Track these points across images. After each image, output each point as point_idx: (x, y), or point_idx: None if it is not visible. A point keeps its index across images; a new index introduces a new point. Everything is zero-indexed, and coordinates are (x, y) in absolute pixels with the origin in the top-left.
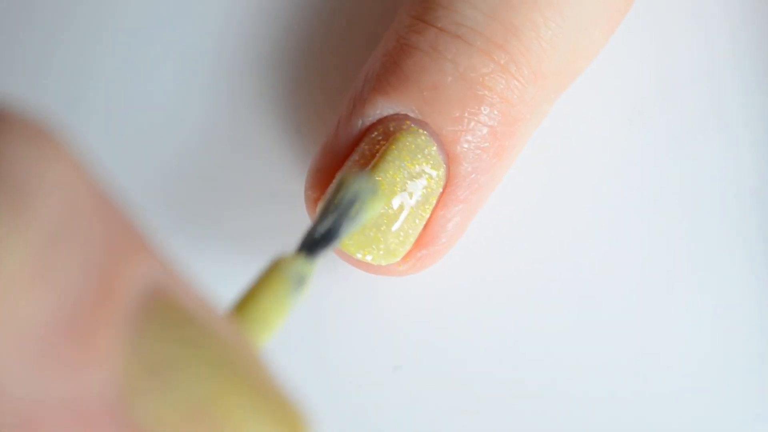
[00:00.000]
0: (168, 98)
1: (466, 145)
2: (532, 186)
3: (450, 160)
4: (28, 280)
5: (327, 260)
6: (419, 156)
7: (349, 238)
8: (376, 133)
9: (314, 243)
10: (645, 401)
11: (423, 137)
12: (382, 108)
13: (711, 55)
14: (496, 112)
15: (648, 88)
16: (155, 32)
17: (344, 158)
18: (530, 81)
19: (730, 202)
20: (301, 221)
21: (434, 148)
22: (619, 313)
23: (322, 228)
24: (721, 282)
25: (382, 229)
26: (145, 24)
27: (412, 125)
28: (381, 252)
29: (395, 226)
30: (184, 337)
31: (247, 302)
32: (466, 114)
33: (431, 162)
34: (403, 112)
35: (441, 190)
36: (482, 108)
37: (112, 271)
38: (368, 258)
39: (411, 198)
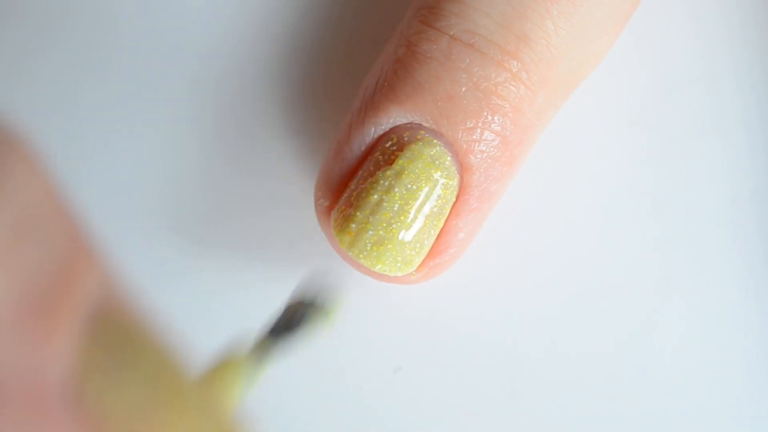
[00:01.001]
0: (172, 98)
1: (479, 155)
2: (531, 188)
3: (463, 169)
4: (3, 250)
5: (325, 261)
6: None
7: (366, 251)
8: (390, 142)
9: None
10: (642, 403)
11: (437, 147)
12: (395, 117)
13: (709, 58)
14: (508, 122)
15: (647, 92)
16: (160, 34)
17: (357, 166)
18: (540, 88)
19: (728, 204)
20: (300, 221)
21: (448, 158)
22: (617, 315)
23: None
24: (718, 284)
25: (399, 240)
26: (150, 28)
27: (427, 135)
28: (398, 264)
29: (411, 237)
30: (129, 349)
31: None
32: (480, 124)
33: (446, 172)
34: (416, 122)
35: (454, 199)
36: (495, 117)
37: (69, 270)
38: (386, 270)
39: (426, 208)
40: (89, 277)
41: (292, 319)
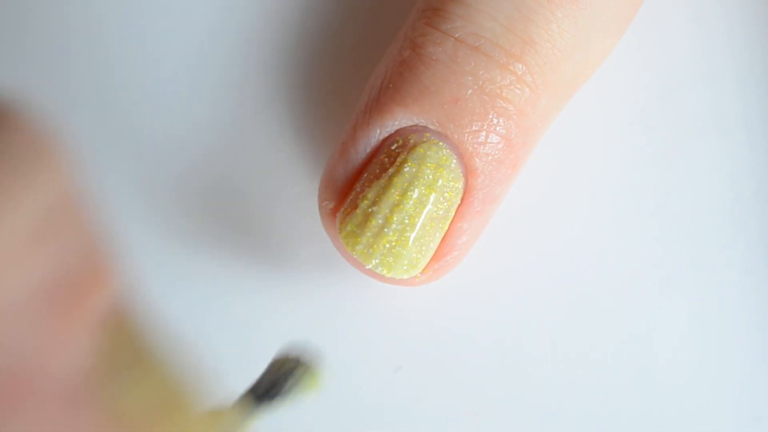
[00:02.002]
0: (174, 98)
1: (484, 158)
2: (532, 188)
3: (468, 172)
4: (29, 241)
5: (326, 262)
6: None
7: (372, 253)
8: (395, 145)
9: (255, 400)
10: (643, 404)
11: (443, 150)
12: (401, 119)
13: (710, 58)
14: (512, 124)
15: (647, 91)
16: (163, 34)
17: (362, 168)
18: (544, 91)
19: (729, 204)
20: (304, 223)
21: (454, 160)
22: (617, 315)
23: (261, 389)
24: (719, 284)
25: (406, 243)
26: (153, 27)
27: (432, 138)
28: (404, 267)
29: (417, 240)
30: (142, 354)
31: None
32: (485, 127)
33: (451, 175)
34: (422, 124)
35: (459, 202)
36: (500, 120)
37: (87, 272)
38: (392, 274)
39: (432, 211)
40: (105, 283)
41: (278, 379)
